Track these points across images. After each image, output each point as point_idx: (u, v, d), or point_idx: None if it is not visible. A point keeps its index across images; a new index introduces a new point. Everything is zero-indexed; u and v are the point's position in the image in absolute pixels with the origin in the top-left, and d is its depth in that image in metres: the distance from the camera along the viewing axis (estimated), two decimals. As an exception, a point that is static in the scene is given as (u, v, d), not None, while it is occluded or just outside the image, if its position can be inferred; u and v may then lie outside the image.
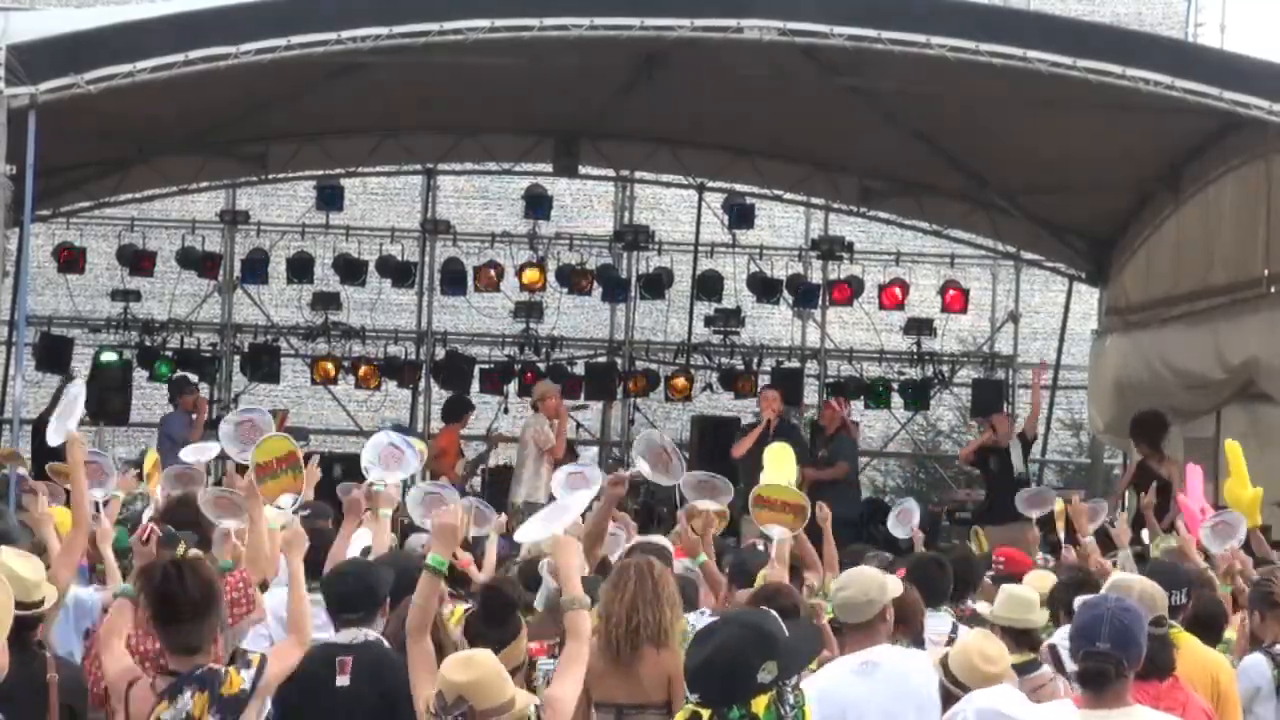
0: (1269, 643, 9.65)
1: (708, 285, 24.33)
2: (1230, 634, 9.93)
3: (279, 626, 8.90)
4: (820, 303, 24.86)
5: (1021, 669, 7.92)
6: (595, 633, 7.73)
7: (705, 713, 5.67)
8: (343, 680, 8.03)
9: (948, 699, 6.69)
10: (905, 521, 14.05)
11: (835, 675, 7.65)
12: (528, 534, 7.74)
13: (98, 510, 9.38)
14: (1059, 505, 13.14)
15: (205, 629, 6.95)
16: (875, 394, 24.58)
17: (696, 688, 5.73)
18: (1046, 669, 8.06)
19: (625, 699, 8.07)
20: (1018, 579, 10.05)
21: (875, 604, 7.90)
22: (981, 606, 9.63)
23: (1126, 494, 19.20)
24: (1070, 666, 6.90)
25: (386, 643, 8.22)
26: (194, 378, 22.83)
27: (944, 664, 6.78)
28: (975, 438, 21.87)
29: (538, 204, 23.79)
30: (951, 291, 24.22)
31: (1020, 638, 8.46)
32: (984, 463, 20.17)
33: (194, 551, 8.49)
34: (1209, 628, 9.45)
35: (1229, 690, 8.74)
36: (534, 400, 19.58)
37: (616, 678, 8.07)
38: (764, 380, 24.36)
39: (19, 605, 6.99)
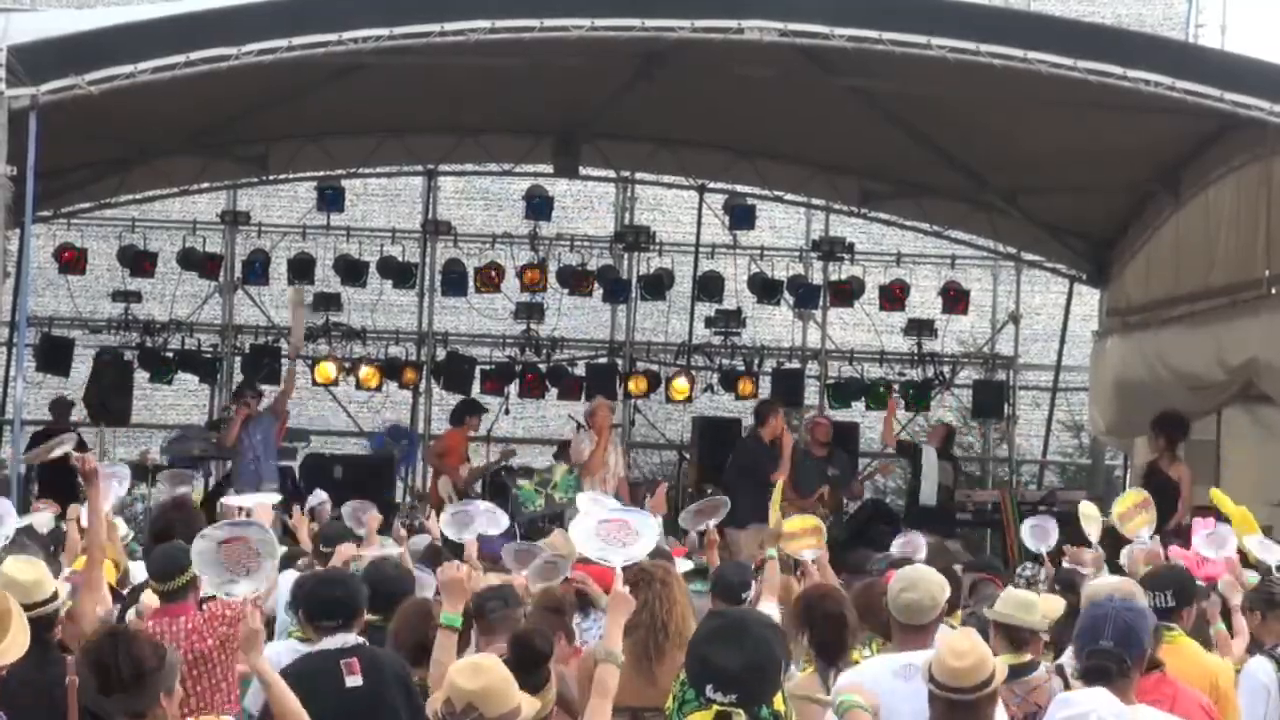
0: (1271, 645, 9.64)
1: (708, 286, 24.32)
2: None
3: None
4: (821, 304, 24.85)
5: (1018, 670, 7.87)
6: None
7: (741, 714, 5.63)
8: (354, 680, 8.04)
9: (932, 701, 6.67)
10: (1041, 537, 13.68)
11: (875, 675, 7.59)
12: (581, 542, 7.59)
13: None
14: (1087, 508, 12.88)
15: (142, 699, 6.46)
16: (876, 395, 24.56)
17: (734, 689, 5.65)
18: (1042, 671, 8.02)
19: (640, 703, 8.00)
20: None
21: (938, 608, 7.88)
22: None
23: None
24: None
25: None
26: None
27: (928, 669, 6.76)
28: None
29: (538, 205, 23.77)
30: (952, 292, 24.25)
31: (1016, 637, 8.37)
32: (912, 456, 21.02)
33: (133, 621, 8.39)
34: None
35: (1229, 692, 8.69)
36: (585, 417, 19.71)
37: (635, 682, 8.00)
38: (765, 381, 24.37)
39: (26, 607, 6.97)
